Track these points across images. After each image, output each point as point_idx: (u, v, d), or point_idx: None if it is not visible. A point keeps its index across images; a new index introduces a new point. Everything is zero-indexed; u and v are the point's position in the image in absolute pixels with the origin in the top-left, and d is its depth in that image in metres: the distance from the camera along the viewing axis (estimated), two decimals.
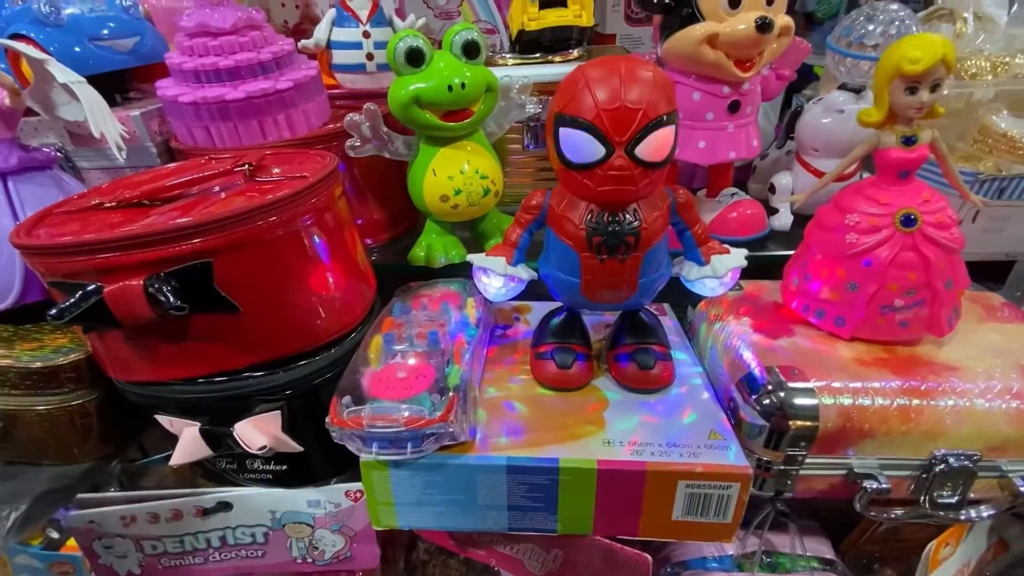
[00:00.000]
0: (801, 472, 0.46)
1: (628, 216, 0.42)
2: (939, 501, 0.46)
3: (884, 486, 0.44)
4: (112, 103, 0.67)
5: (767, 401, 0.45)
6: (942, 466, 0.44)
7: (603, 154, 0.39)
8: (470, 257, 0.49)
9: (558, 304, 0.54)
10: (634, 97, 0.37)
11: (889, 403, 0.44)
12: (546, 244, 0.48)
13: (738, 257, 0.46)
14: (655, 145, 0.39)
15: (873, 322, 0.48)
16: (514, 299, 0.50)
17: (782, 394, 0.44)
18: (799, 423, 0.44)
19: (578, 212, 0.43)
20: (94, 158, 0.65)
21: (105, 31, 0.64)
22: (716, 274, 0.46)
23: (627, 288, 0.45)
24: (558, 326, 0.52)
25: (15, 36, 0.59)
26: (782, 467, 0.46)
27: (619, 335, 0.51)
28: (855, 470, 0.45)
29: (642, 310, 0.52)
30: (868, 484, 0.44)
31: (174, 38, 0.61)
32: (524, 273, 0.49)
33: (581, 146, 0.39)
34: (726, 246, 0.47)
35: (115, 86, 0.69)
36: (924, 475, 0.45)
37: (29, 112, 0.60)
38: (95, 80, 0.58)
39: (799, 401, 0.44)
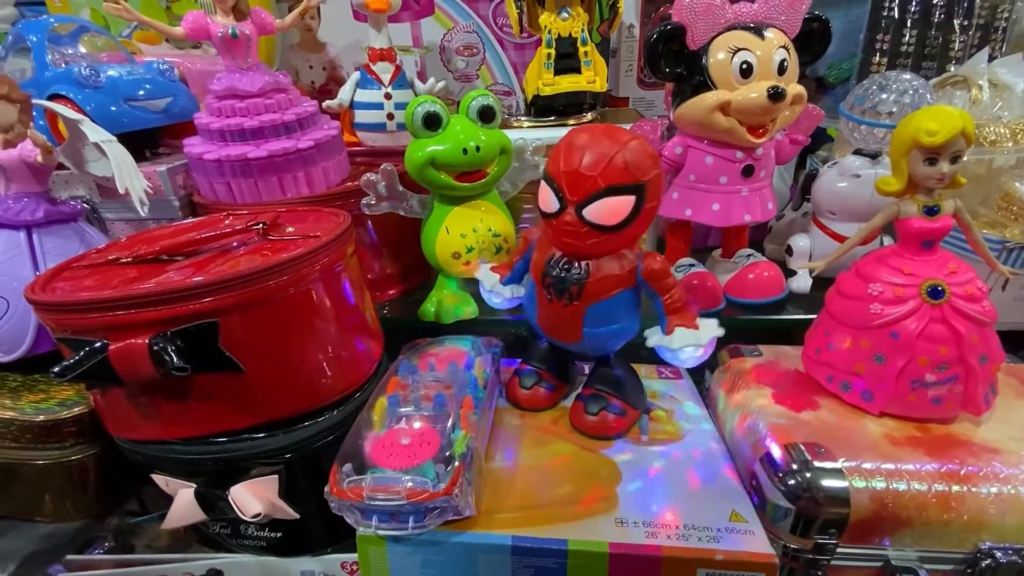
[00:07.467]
0: (832, 562, 0.42)
1: (578, 267, 0.45)
2: None
3: None
4: (142, 158, 0.70)
5: (792, 482, 0.42)
6: (988, 561, 0.40)
7: (558, 208, 0.43)
8: (477, 270, 0.55)
9: None
10: (591, 164, 0.41)
11: (926, 488, 0.41)
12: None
13: (700, 336, 0.44)
14: (604, 210, 0.42)
15: (903, 397, 0.45)
16: None
17: (808, 475, 0.42)
18: (828, 508, 0.41)
19: (544, 254, 0.47)
20: (119, 210, 0.67)
21: (141, 92, 0.67)
22: (671, 347, 0.45)
23: (571, 332, 0.48)
24: (539, 350, 0.55)
25: (55, 96, 0.63)
26: (811, 556, 0.42)
27: (587, 379, 0.53)
28: (892, 562, 0.41)
29: (614, 362, 0.52)
30: None
31: (205, 99, 0.64)
32: (508, 292, 0.54)
33: (546, 198, 0.44)
34: (699, 320, 0.45)
35: (147, 142, 0.72)
36: (969, 570, 0.41)
37: (61, 165, 0.63)
38: (128, 136, 0.60)
39: (827, 483, 0.41)
